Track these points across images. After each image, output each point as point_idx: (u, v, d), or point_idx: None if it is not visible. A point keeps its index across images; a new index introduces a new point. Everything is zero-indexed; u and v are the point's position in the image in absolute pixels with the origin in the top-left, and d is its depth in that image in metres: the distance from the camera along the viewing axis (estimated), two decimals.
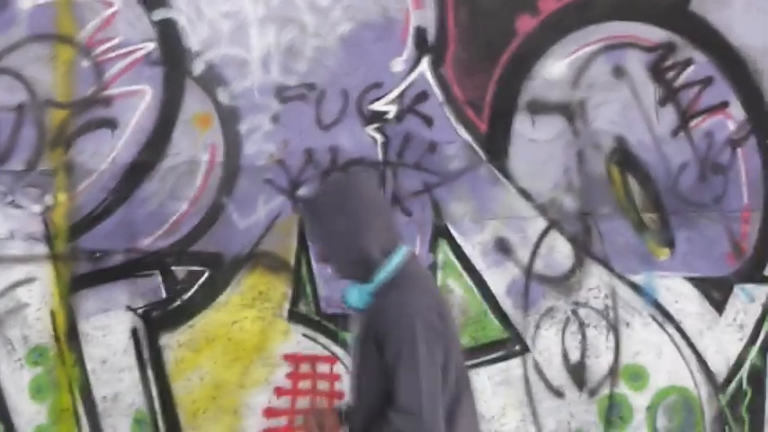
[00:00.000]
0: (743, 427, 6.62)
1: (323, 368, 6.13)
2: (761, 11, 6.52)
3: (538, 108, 6.40)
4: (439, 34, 6.27)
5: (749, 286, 6.61)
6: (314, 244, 4.69)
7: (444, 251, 6.34)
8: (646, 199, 6.51)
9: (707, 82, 6.48)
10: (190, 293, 6.18)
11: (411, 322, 4.43)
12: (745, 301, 6.63)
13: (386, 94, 6.23)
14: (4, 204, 5.92)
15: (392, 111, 6.26)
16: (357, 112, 6.21)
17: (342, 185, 4.69)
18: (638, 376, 6.54)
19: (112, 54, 5.98)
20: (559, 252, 6.45)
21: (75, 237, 6.02)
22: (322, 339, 6.18)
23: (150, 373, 6.13)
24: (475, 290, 6.39)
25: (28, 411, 5.97)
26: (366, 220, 4.57)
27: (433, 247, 6.28)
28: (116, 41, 5.98)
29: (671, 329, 6.54)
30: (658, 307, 6.54)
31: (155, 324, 6.15)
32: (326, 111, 6.18)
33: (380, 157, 6.26)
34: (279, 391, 6.25)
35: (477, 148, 6.33)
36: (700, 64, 6.49)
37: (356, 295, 4.49)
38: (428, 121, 6.26)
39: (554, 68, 6.39)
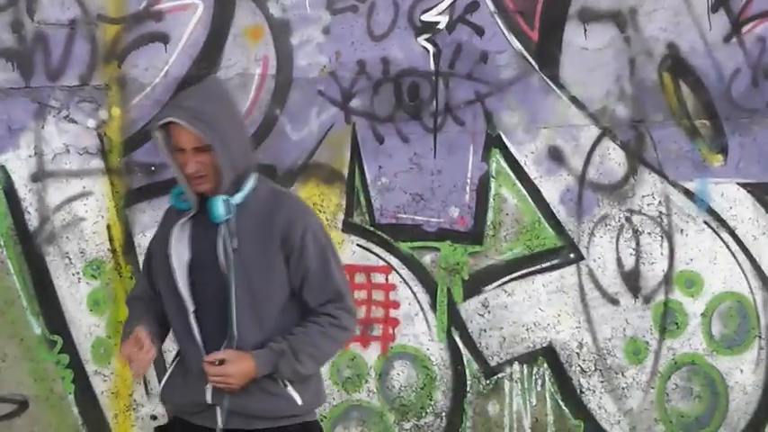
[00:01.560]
0: None
1: (378, 278, 6.15)
2: None
3: (589, 16, 6.34)
4: None
5: None
6: (200, 153, 4.39)
7: (497, 160, 6.35)
8: (698, 105, 6.49)
9: None
10: None
11: (316, 217, 4.48)
12: None
13: (437, 5, 6.22)
14: (59, 119, 5.98)
15: (443, 21, 6.23)
16: (408, 23, 6.19)
17: (225, 94, 4.58)
18: (692, 283, 6.54)
19: None
20: (612, 160, 6.44)
21: (129, 151, 6.07)
22: (376, 249, 6.18)
23: None
24: (528, 198, 6.40)
25: (86, 324, 6.07)
26: (246, 132, 4.62)
27: (486, 157, 6.30)
28: None
29: (725, 235, 6.53)
30: (712, 213, 6.53)
31: None
32: (377, 22, 6.16)
33: (432, 67, 6.24)
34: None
35: (528, 57, 6.30)
36: None
37: (224, 207, 4.30)
38: (479, 30, 6.22)
39: None
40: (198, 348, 4.30)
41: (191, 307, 4.34)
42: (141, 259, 5.81)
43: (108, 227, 6.07)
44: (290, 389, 4.29)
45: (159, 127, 4.33)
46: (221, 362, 4.24)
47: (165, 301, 4.46)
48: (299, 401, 4.28)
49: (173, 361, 4.49)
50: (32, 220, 6.05)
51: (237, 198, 4.27)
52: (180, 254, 4.34)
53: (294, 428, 4.35)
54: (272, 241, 4.31)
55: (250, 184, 4.31)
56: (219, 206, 4.25)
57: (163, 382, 4.50)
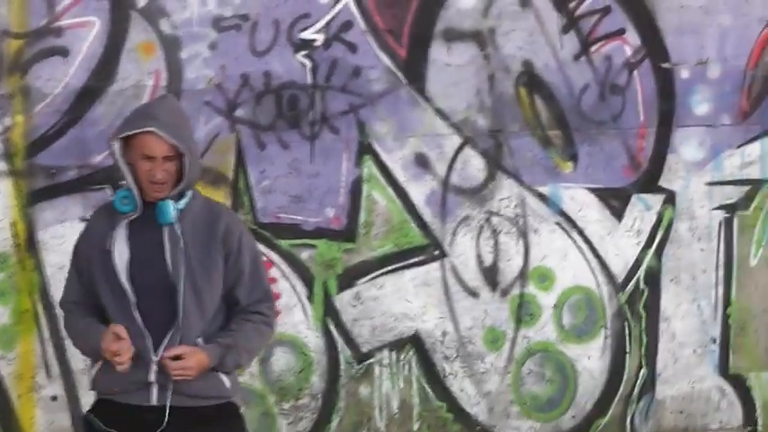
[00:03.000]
0: (640, 322, 7.03)
1: None
2: None
3: (452, 35, 6.64)
4: None
5: (645, 196, 6.97)
6: (167, 162, 4.62)
7: (369, 166, 6.58)
8: (551, 117, 6.82)
9: (605, 11, 6.80)
10: None
11: (246, 226, 4.85)
12: (641, 210, 7.01)
13: (313, 24, 6.43)
14: None
15: (319, 39, 6.46)
16: (287, 41, 6.41)
17: (183, 110, 4.83)
18: (545, 278, 6.89)
19: None
20: (473, 166, 6.71)
21: (32, 154, 6.17)
22: (259, 246, 5.88)
23: None
24: (397, 201, 6.64)
25: None
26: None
27: (358, 163, 6.54)
28: None
29: (575, 235, 6.90)
30: (563, 215, 6.88)
31: None
32: (260, 39, 6.37)
33: (309, 80, 6.45)
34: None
35: (397, 72, 6.57)
36: None
37: (171, 211, 4.55)
38: (352, 47, 6.47)
39: None
40: (141, 337, 4.52)
41: (132, 299, 4.54)
42: (44, 254, 6.16)
43: (12, 224, 6.16)
44: (220, 374, 4.58)
45: (120, 136, 4.58)
46: (177, 357, 4.49)
47: (104, 295, 4.62)
48: (228, 384, 4.60)
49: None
50: None
51: (182, 203, 4.53)
52: (121, 252, 4.56)
53: (224, 406, 4.64)
54: (213, 244, 4.57)
55: (190, 192, 4.61)
56: (170, 210, 4.52)
57: (96, 369, 4.64)
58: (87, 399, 5.68)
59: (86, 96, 6.21)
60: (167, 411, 4.60)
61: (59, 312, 5.79)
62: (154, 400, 4.58)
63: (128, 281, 4.55)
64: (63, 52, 6.16)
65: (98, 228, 4.68)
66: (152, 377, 4.54)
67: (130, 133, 4.57)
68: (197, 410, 4.61)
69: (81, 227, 5.69)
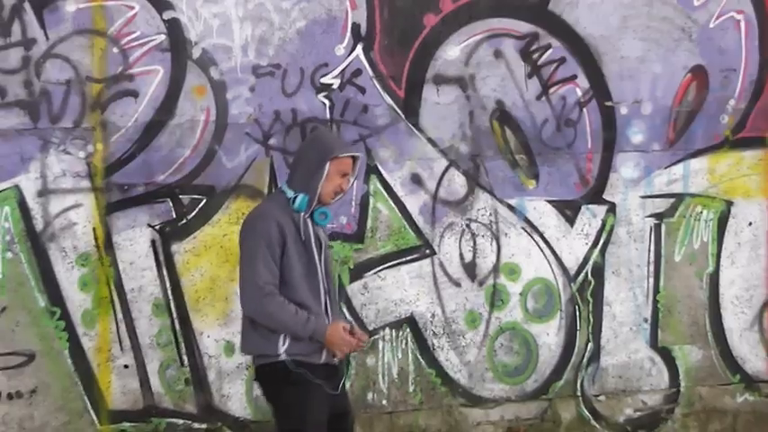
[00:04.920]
0: (588, 306, 7.43)
1: None
2: (599, 10, 7.25)
3: (440, 80, 7.04)
4: (369, 28, 6.84)
5: (592, 206, 7.38)
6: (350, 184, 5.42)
7: (374, 183, 6.97)
8: (518, 144, 7.20)
9: (561, 61, 7.20)
10: (192, 214, 6.69)
11: None
12: (589, 217, 7.41)
13: (331, 71, 6.82)
14: (59, 152, 6.43)
15: (336, 83, 6.83)
16: (311, 84, 6.79)
17: None
18: (513, 271, 7.30)
19: (134, 43, 6.49)
20: (457, 183, 7.11)
21: (109, 174, 6.53)
22: None
23: (165, 271, 6.67)
24: (396, 210, 7.04)
25: (77, 299, 6.51)
26: None
27: (366, 180, 6.93)
28: (136, 34, 6.49)
29: (536, 238, 7.32)
30: (527, 222, 7.29)
31: (167, 236, 6.66)
32: (289, 83, 6.74)
33: (328, 116, 6.83)
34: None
35: (397, 109, 6.97)
36: (556, 48, 7.17)
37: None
38: (362, 89, 6.88)
39: (451, 52, 7.01)
40: (324, 310, 5.34)
41: (323, 280, 5.38)
42: (118, 253, 6.55)
43: (93, 229, 6.52)
44: None
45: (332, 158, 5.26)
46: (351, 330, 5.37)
47: (296, 276, 5.26)
48: None
49: None
50: (38, 225, 6.45)
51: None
52: (310, 242, 5.33)
53: None
54: None
55: None
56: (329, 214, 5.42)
57: (289, 341, 5.24)
58: (152, 366, 6.53)
59: (152, 129, 6.57)
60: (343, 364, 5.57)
61: (131, 298, 6.48)
62: (324, 359, 5.37)
63: (320, 272, 5.36)
64: (134, 94, 6.54)
65: (286, 223, 5.29)
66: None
67: (347, 155, 5.37)
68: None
69: (147, 231, 6.45)
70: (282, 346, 5.24)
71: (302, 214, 5.32)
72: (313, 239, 5.36)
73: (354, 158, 5.47)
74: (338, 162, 5.33)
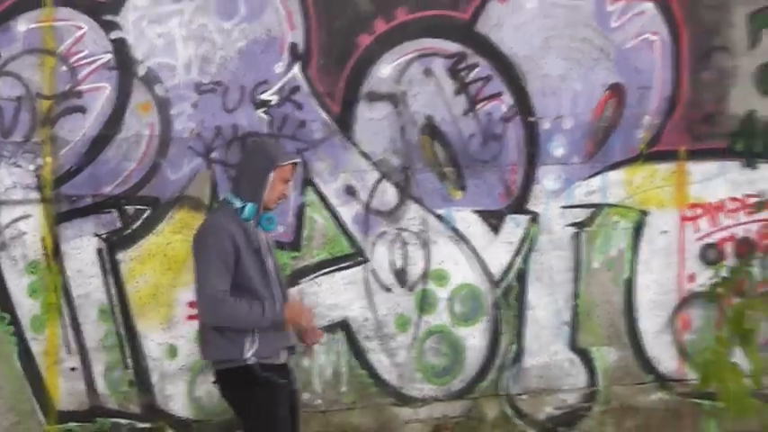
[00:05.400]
0: (512, 310, 7.55)
1: None
2: (523, 31, 7.34)
3: (373, 97, 7.16)
4: (306, 47, 6.95)
5: (516, 216, 7.49)
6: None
7: (310, 194, 7.07)
8: (446, 158, 7.31)
9: (487, 79, 7.32)
10: (137, 224, 6.80)
11: None
12: (513, 226, 7.51)
13: (270, 88, 6.93)
14: (9, 164, 6.54)
15: (275, 99, 6.94)
16: (251, 101, 6.90)
17: None
18: (441, 277, 7.42)
19: (82, 62, 6.61)
20: (388, 194, 7.24)
21: (57, 186, 6.63)
22: None
23: (110, 279, 6.78)
24: (331, 220, 7.14)
25: (27, 305, 6.64)
26: None
27: (303, 192, 7.03)
28: (85, 53, 6.61)
29: (463, 246, 7.43)
30: (455, 231, 7.40)
31: (113, 245, 6.77)
32: (230, 100, 6.87)
33: (267, 130, 6.94)
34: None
35: (332, 124, 7.08)
36: (483, 67, 7.30)
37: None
38: (299, 106, 6.99)
39: (384, 70, 7.14)
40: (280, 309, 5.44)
41: (276, 282, 5.58)
42: (66, 261, 6.67)
43: (42, 238, 6.64)
44: None
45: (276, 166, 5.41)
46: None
47: (254, 280, 5.42)
48: None
49: (250, 331, 5.43)
50: None
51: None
52: (261, 248, 5.51)
53: None
54: None
55: None
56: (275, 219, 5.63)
57: (257, 345, 5.42)
58: (98, 369, 6.72)
59: (99, 143, 6.68)
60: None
61: (78, 305, 6.63)
62: (282, 359, 5.61)
63: (274, 274, 5.59)
64: (82, 110, 6.65)
65: (237, 232, 5.44)
66: (293, 341, 5.69)
67: (288, 163, 5.53)
68: None
69: (94, 240, 6.57)
70: (249, 351, 5.42)
71: (251, 223, 5.49)
72: (263, 246, 5.56)
73: (294, 164, 5.65)
74: (280, 170, 5.50)
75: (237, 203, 5.50)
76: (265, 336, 5.47)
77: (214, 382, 5.69)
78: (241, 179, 5.61)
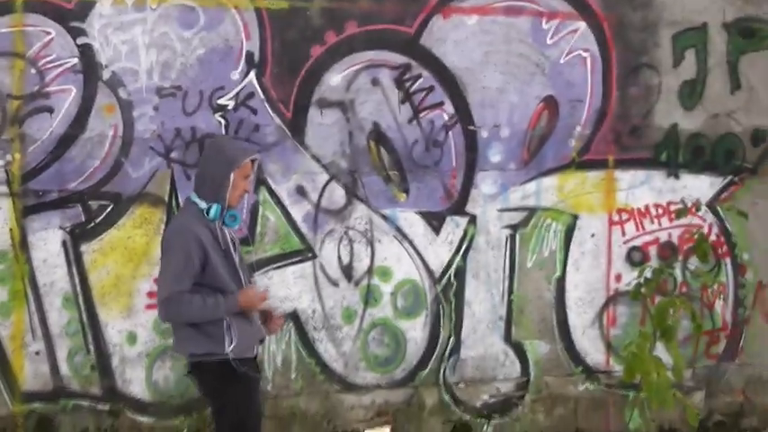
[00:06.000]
0: (451, 305, 7.72)
1: None
2: (464, 46, 7.52)
3: (324, 104, 7.28)
4: (261, 56, 7.06)
5: (456, 217, 7.65)
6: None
7: (264, 193, 7.17)
8: (391, 162, 7.46)
9: (430, 89, 7.48)
10: (100, 218, 6.89)
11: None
12: (453, 227, 7.67)
13: (227, 94, 7.05)
14: None
15: (231, 104, 7.05)
16: (209, 105, 7.01)
17: None
18: (385, 273, 7.58)
19: (50, 65, 6.68)
20: (337, 194, 7.35)
21: (25, 181, 6.70)
22: None
23: (74, 269, 6.86)
24: (283, 218, 7.25)
25: None
26: None
27: (257, 191, 7.11)
28: (52, 57, 6.69)
29: (406, 244, 7.60)
30: (399, 230, 7.56)
31: (77, 238, 6.86)
32: (189, 103, 6.96)
33: (224, 133, 7.03)
34: (156, 282, 6.27)
35: (285, 128, 7.19)
36: (426, 78, 7.46)
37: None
38: (254, 111, 7.09)
39: (334, 79, 7.25)
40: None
41: (245, 280, 5.68)
42: (32, 251, 6.75)
43: (10, 229, 6.73)
44: None
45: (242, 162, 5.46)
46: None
47: (223, 279, 5.50)
48: None
49: (227, 327, 5.55)
50: None
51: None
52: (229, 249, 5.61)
53: None
54: None
55: None
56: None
57: (236, 340, 5.52)
58: (62, 353, 6.85)
59: (65, 141, 6.77)
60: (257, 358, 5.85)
61: (43, 293, 6.75)
62: (256, 352, 5.77)
63: (241, 270, 5.70)
64: (49, 110, 6.73)
65: (203, 233, 5.54)
66: (264, 332, 5.87)
67: (247, 160, 5.57)
68: None
69: (59, 233, 6.68)
70: (229, 347, 5.56)
71: (217, 222, 5.61)
72: (230, 242, 5.66)
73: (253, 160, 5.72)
74: (241, 169, 5.61)
75: (203, 204, 5.59)
76: (243, 330, 5.59)
77: (188, 374, 5.85)
78: (204, 180, 5.67)
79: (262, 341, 5.85)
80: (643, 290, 7.19)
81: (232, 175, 5.50)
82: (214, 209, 5.52)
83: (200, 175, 5.73)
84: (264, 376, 7.18)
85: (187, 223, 5.56)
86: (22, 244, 6.78)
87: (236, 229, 5.76)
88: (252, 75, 7.08)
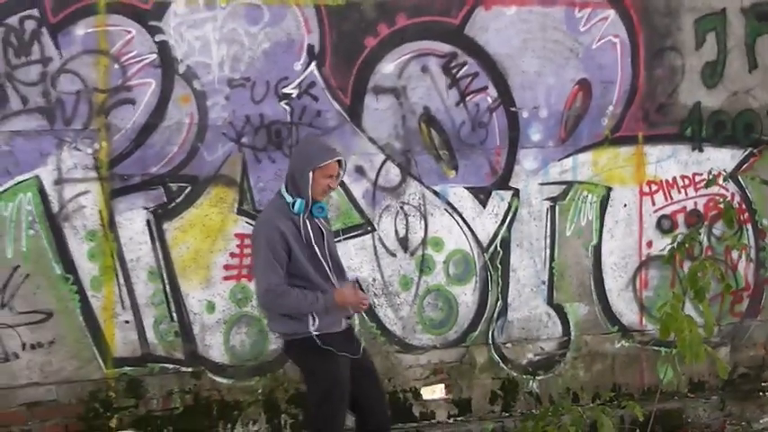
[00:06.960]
0: (498, 272, 7.90)
1: None
2: (504, 34, 7.66)
3: (378, 90, 7.50)
4: (321, 48, 7.27)
5: (500, 191, 7.86)
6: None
7: None
8: (441, 142, 7.66)
9: (475, 75, 7.69)
10: (180, 199, 7.12)
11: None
12: (498, 200, 7.89)
13: (291, 83, 7.25)
14: (71, 148, 6.82)
15: (295, 92, 7.26)
16: (274, 94, 7.21)
17: None
18: (437, 244, 7.79)
19: (132, 61, 6.91)
20: (392, 173, 7.59)
21: (112, 167, 6.95)
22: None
23: (158, 245, 7.12)
24: (344, 195, 7.49)
25: (87, 267, 6.94)
26: None
27: None
28: (134, 53, 6.92)
29: (456, 217, 7.81)
30: (449, 204, 7.75)
31: (160, 217, 7.11)
32: (257, 93, 7.19)
33: (289, 119, 7.27)
34: (232, 255, 7.27)
35: (344, 114, 7.41)
36: (470, 64, 7.65)
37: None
38: (315, 98, 7.31)
39: (387, 67, 7.47)
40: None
41: (330, 271, 5.78)
42: (119, 230, 6.96)
43: (99, 211, 6.96)
44: None
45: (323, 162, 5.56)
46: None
47: (309, 272, 5.65)
48: None
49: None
50: (55, 208, 6.84)
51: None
52: (314, 242, 5.71)
53: None
54: None
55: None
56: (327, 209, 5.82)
57: (318, 320, 5.71)
58: (148, 321, 7.17)
59: (146, 130, 7.02)
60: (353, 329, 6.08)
61: (130, 267, 6.99)
62: (343, 326, 5.95)
63: (324, 260, 5.83)
64: (132, 102, 6.99)
65: (286, 226, 5.70)
66: (350, 312, 5.95)
67: (328, 161, 5.69)
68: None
69: (143, 213, 6.95)
70: (312, 326, 5.81)
71: (302, 216, 5.75)
72: (313, 234, 5.78)
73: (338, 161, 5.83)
74: (321, 169, 5.73)
75: (289, 199, 5.77)
76: (326, 310, 5.86)
77: (284, 350, 6.17)
78: (290, 177, 5.84)
79: (349, 317, 6.00)
80: (673, 254, 7.28)
81: (311, 174, 5.64)
82: (298, 203, 5.67)
83: (289, 170, 5.92)
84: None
85: (270, 217, 5.75)
86: (111, 224, 7.02)
87: (326, 219, 5.93)
88: (313, 65, 7.28)
